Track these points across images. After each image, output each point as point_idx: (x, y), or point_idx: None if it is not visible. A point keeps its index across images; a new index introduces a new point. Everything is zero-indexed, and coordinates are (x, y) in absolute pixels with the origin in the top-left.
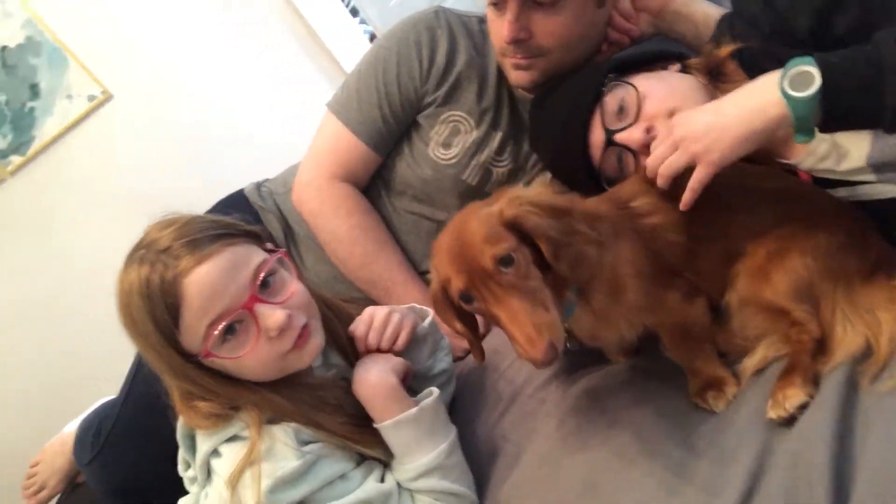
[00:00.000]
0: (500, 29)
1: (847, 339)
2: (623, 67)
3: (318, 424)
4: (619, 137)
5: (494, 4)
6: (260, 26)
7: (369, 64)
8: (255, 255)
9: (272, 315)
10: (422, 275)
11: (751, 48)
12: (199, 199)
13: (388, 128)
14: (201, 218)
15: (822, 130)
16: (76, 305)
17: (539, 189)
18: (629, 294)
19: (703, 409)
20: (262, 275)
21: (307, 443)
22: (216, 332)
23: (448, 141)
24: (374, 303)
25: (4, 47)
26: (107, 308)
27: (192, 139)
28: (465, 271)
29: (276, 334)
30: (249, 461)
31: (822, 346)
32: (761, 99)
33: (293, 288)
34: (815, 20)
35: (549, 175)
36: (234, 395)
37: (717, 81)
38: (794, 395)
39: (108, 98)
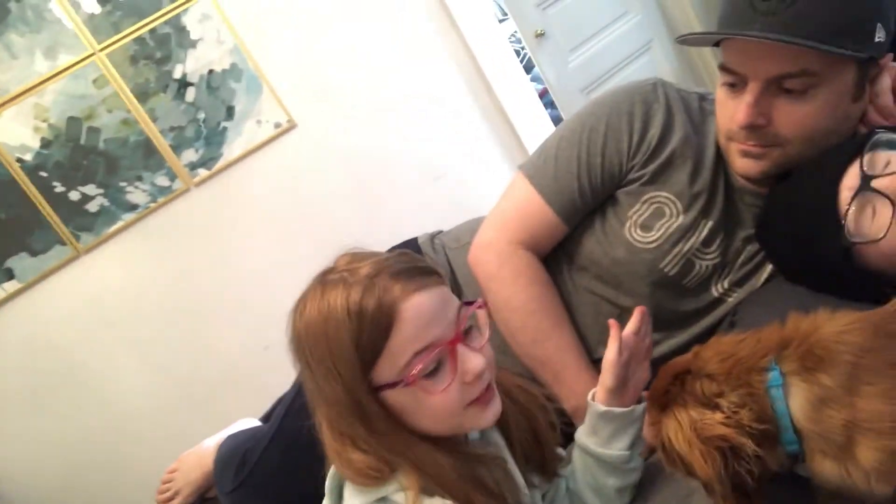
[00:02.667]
0: (734, 110)
1: None
2: None
3: None
4: (878, 182)
5: (731, 85)
6: (438, 76)
7: (573, 131)
8: (455, 299)
9: (473, 359)
10: (595, 362)
11: None
12: (365, 239)
13: (583, 200)
14: (403, 254)
15: None
16: (229, 318)
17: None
18: None
19: None
20: (467, 318)
21: None
22: (425, 361)
23: (648, 223)
24: (539, 383)
25: (211, 70)
26: (255, 326)
27: (367, 179)
28: None
29: (471, 379)
30: None
31: None
32: None
33: (485, 340)
34: None
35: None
36: (399, 443)
37: None
38: None
39: (292, 127)
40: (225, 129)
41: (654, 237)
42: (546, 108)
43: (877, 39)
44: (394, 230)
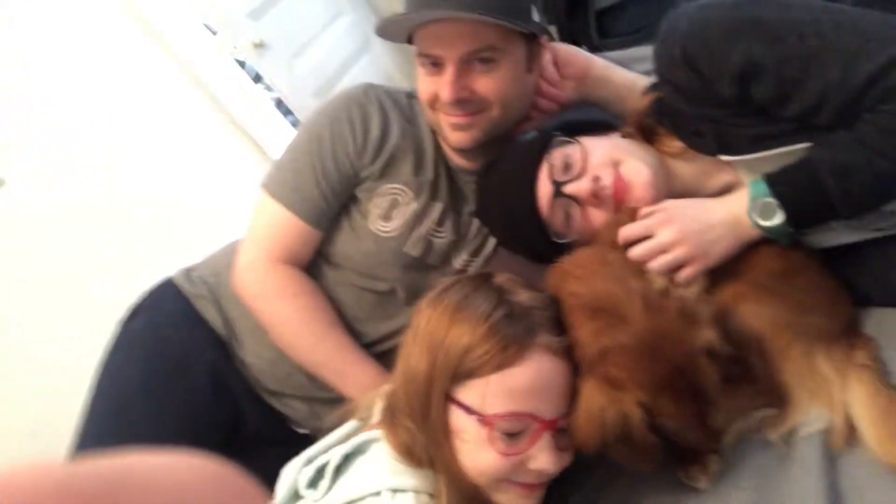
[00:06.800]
0: (435, 87)
1: (802, 404)
2: (568, 129)
3: None
4: (567, 189)
5: (433, 65)
6: (160, 104)
7: (302, 142)
8: (572, 389)
9: (549, 458)
10: (367, 347)
11: (682, 111)
12: (107, 294)
13: (327, 204)
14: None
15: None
16: None
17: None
18: None
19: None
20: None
21: None
22: (517, 420)
23: (388, 214)
24: (326, 385)
25: None
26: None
27: (97, 229)
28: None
29: (534, 467)
30: None
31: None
32: (739, 227)
33: (570, 454)
34: (738, 88)
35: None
36: (441, 452)
37: (651, 144)
38: None
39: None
40: None
41: (394, 225)
42: (286, 116)
43: (534, 19)
44: (141, 276)
